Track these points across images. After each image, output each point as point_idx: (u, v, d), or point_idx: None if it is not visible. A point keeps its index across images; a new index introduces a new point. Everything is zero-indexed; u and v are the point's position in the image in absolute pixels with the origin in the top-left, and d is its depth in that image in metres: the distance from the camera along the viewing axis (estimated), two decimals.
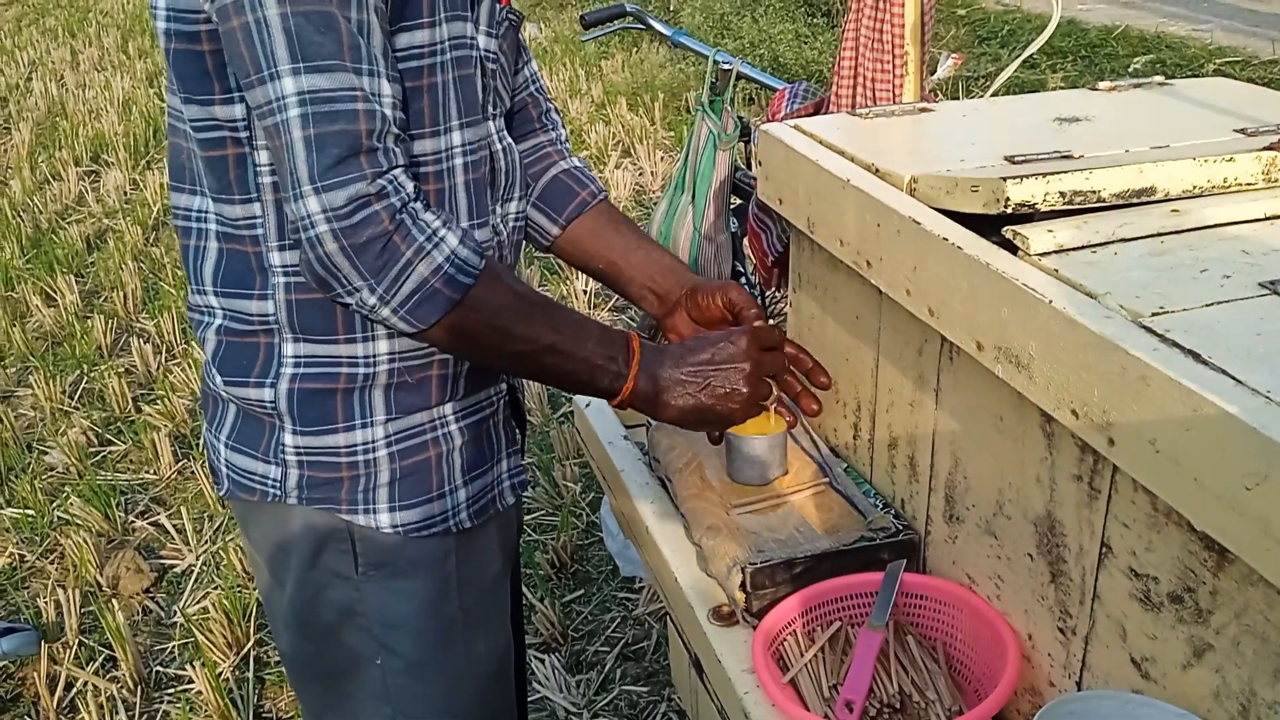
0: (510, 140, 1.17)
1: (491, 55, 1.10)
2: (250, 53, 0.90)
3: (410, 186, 0.95)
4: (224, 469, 1.14)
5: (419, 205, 0.96)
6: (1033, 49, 1.71)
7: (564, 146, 1.32)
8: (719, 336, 1.12)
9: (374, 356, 1.07)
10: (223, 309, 1.08)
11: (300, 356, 1.07)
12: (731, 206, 2.45)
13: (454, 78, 1.04)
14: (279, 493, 1.10)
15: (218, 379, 1.11)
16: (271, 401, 1.07)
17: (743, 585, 1.14)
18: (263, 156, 1.01)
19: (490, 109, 1.11)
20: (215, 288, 1.08)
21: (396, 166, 0.94)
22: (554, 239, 1.29)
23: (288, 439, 1.09)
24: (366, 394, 1.08)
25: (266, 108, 0.91)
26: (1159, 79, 1.44)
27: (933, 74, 2.41)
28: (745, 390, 1.10)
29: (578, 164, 1.31)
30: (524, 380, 1.28)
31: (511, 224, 1.18)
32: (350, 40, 0.91)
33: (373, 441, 1.09)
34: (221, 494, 1.16)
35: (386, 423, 1.09)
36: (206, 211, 1.06)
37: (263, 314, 1.06)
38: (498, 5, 1.10)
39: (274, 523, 1.13)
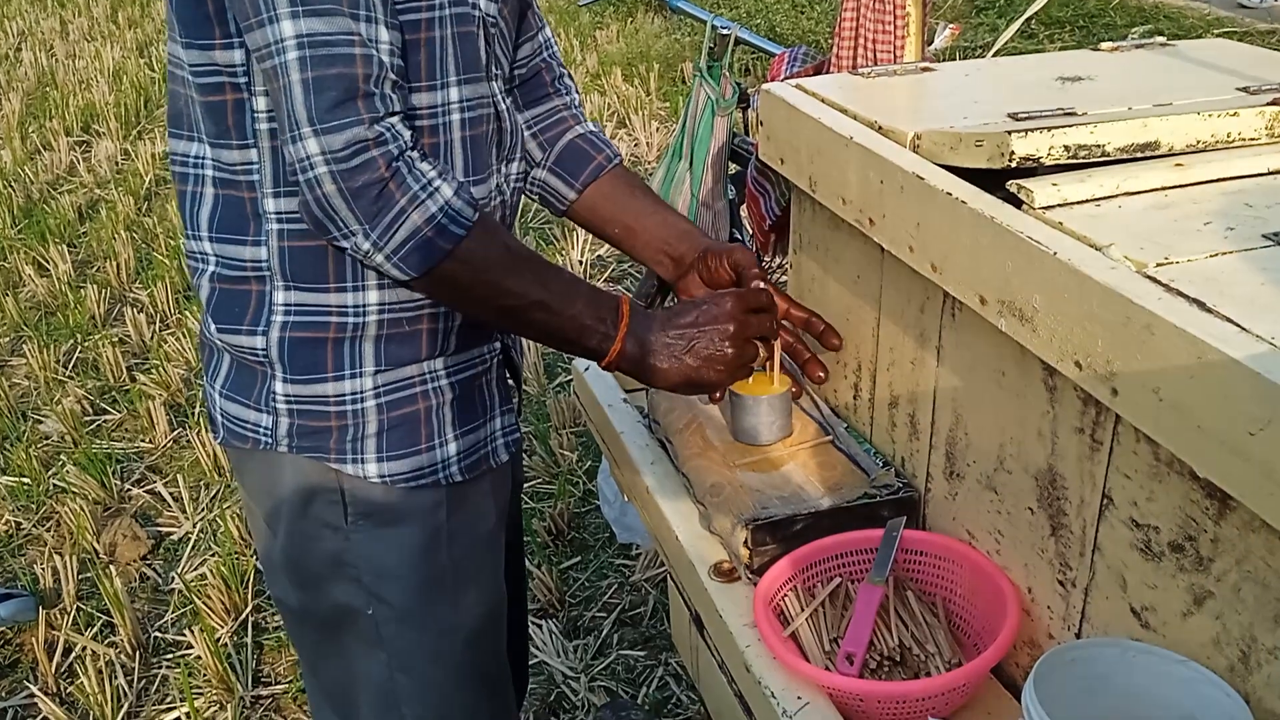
0: (509, 103, 1.17)
1: (492, 19, 1.10)
2: None
3: (407, 135, 0.96)
4: (219, 417, 1.16)
5: (415, 154, 0.97)
6: (1032, 11, 1.70)
7: (578, 111, 1.32)
8: (704, 299, 1.13)
9: (364, 306, 1.07)
10: (216, 255, 1.09)
11: (291, 305, 1.07)
12: (729, 173, 2.45)
13: (453, 34, 1.04)
14: (270, 441, 1.11)
15: (212, 326, 1.12)
16: (263, 349, 1.08)
17: (746, 542, 1.15)
18: (260, 103, 1.01)
19: (493, 69, 1.12)
20: (210, 233, 1.09)
21: (394, 113, 0.96)
22: (570, 203, 1.30)
23: (278, 387, 1.09)
24: (356, 344, 1.09)
25: (265, 50, 0.92)
26: (1160, 40, 1.44)
27: (930, 44, 2.40)
28: (730, 352, 1.10)
29: (593, 129, 1.32)
30: (519, 340, 1.29)
31: (513, 184, 1.20)
32: None
33: (361, 392, 1.10)
34: (218, 441, 1.18)
35: (376, 374, 1.10)
36: (204, 158, 1.07)
37: (255, 260, 1.07)
38: None
39: (266, 471, 1.14)
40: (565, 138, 1.29)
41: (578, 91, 1.34)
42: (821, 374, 1.24)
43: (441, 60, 1.04)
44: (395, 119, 0.95)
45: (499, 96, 1.13)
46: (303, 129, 0.92)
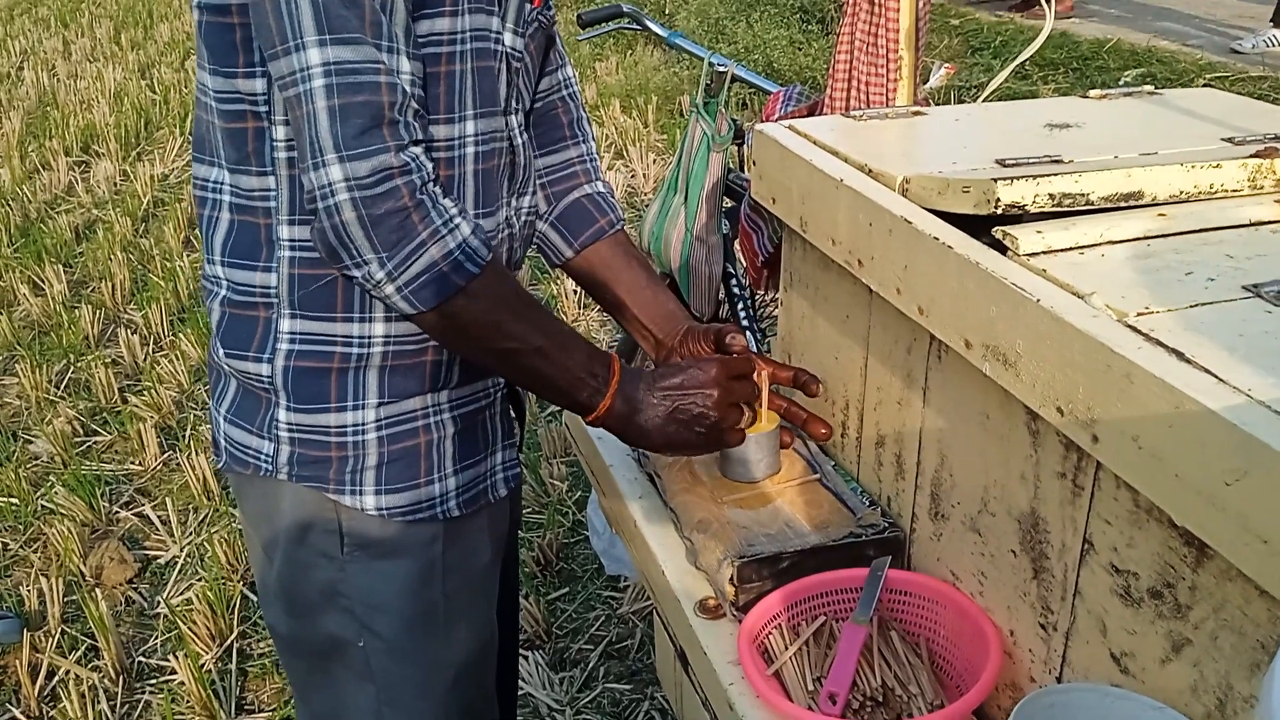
0: (527, 137, 1.19)
1: (517, 54, 1.11)
2: (277, 23, 0.92)
3: (430, 166, 0.97)
4: (222, 441, 1.16)
5: (438, 189, 0.98)
6: (1024, 56, 1.73)
7: (591, 165, 1.33)
8: (689, 364, 1.14)
9: (369, 338, 1.08)
10: (228, 280, 1.10)
11: (296, 333, 1.08)
12: (724, 208, 2.47)
13: (472, 68, 1.06)
14: (270, 468, 1.12)
15: (220, 351, 1.12)
16: (269, 376, 1.09)
17: (733, 579, 1.15)
18: (280, 132, 1.02)
19: (513, 104, 1.13)
20: (223, 258, 1.10)
21: (417, 142, 0.97)
22: (565, 260, 1.32)
23: (281, 415, 1.10)
24: (361, 375, 1.09)
25: (290, 78, 0.93)
26: (1149, 88, 1.46)
27: (925, 83, 2.43)
28: (713, 416, 1.11)
29: (601, 189, 1.33)
30: None
31: (524, 218, 1.21)
32: (373, 16, 0.94)
33: (363, 424, 1.10)
34: (219, 466, 1.18)
35: (379, 406, 1.10)
36: (222, 183, 1.08)
37: (265, 286, 1.08)
38: (528, 5, 1.11)
39: (265, 498, 1.14)
40: (572, 195, 1.30)
41: (594, 139, 1.35)
42: (824, 431, 1.25)
43: (460, 94, 1.05)
44: (419, 149, 0.96)
45: (515, 130, 1.14)
46: (326, 155, 0.92)
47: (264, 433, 1.11)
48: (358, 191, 0.92)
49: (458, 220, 0.98)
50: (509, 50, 1.09)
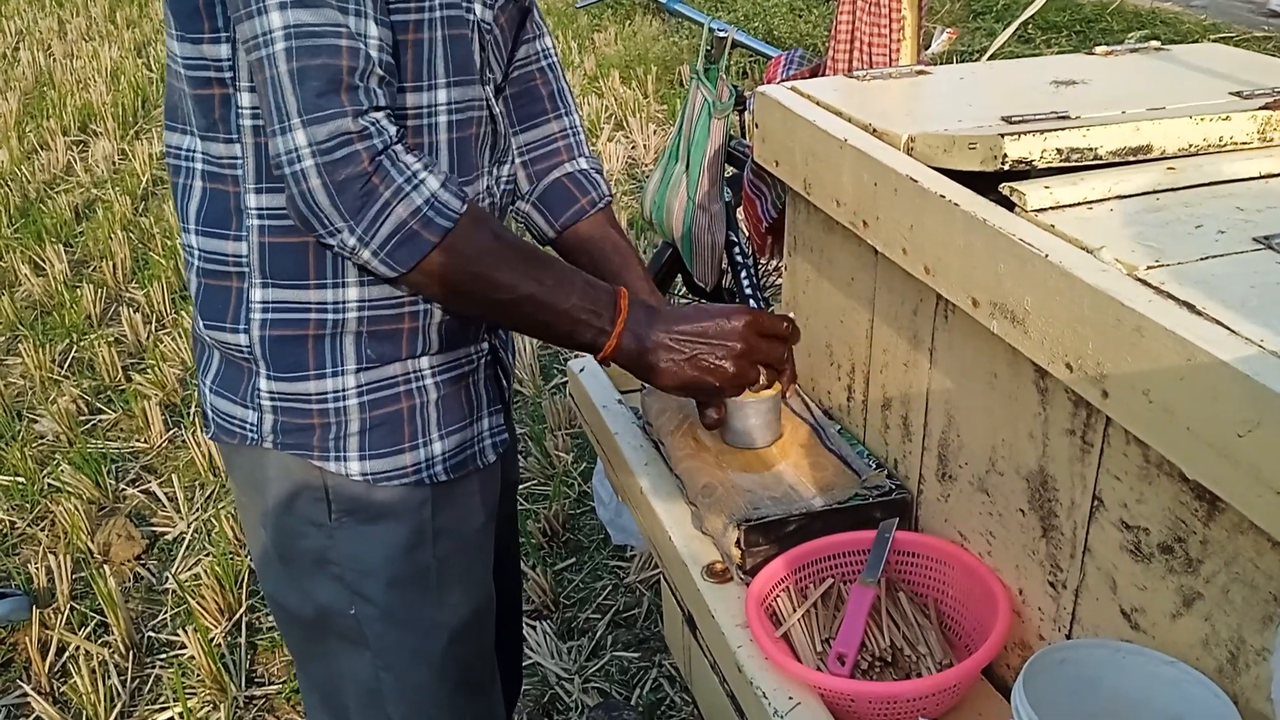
0: (500, 109, 1.17)
1: (487, 25, 1.10)
2: None
3: (393, 130, 0.96)
4: (210, 412, 1.16)
5: (400, 148, 0.96)
6: (1025, 16, 1.71)
7: (575, 139, 1.30)
8: (717, 310, 1.09)
9: (343, 303, 1.07)
10: (202, 249, 1.09)
11: (270, 302, 1.07)
12: (726, 175, 2.45)
13: (443, 36, 1.04)
14: (256, 436, 1.12)
15: (200, 322, 1.12)
16: (247, 346, 1.09)
17: (738, 542, 1.15)
18: (245, 98, 1.02)
19: (486, 74, 1.11)
20: (197, 226, 1.09)
21: (380, 108, 0.95)
22: (549, 240, 1.30)
23: (263, 384, 1.10)
24: (337, 341, 1.08)
25: (253, 41, 0.92)
26: (1155, 44, 1.45)
27: (927, 48, 2.41)
28: (731, 370, 1.06)
29: (584, 165, 1.30)
30: (510, 339, 1.29)
31: (504, 186, 1.20)
32: None
33: (343, 390, 1.09)
34: (209, 436, 1.18)
35: (358, 372, 1.09)
36: (195, 151, 1.07)
37: (237, 255, 1.07)
38: None
39: (252, 466, 1.14)
40: (553, 174, 1.28)
41: (578, 111, 1.33)
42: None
43: (430, 62, 1.04)
44: (381, 114, 0.95)
45: (492, 100, 1.13)
46: (291, 120, 0.91)
47: (247, 402, 1.11)
48: (320, 157, 0.92)
49: (422, 175, 0.96)
50: (480, 20, 1.08)
